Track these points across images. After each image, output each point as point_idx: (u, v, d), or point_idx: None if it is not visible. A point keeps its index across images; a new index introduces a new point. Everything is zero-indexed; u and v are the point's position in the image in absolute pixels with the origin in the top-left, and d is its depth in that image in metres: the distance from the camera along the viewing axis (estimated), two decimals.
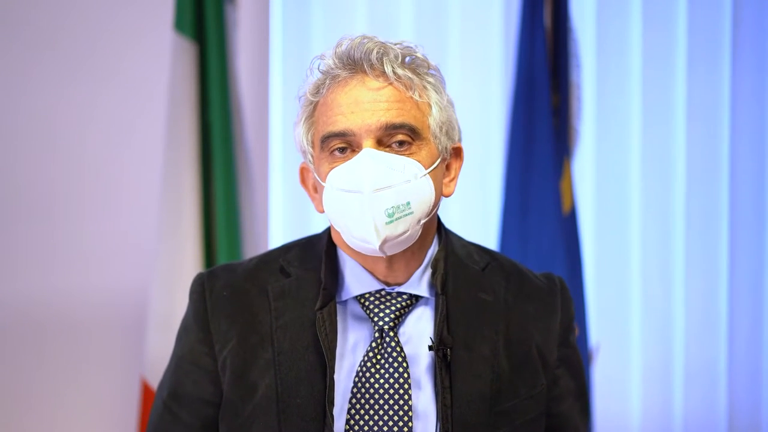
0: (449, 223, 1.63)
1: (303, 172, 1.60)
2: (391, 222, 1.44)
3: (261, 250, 2.75)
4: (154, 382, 2.59)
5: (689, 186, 3.27)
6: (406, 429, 1.47)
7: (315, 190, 1.58)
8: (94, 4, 2.81)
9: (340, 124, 1.48)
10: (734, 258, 3.33)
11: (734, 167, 3.32)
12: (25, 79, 2.76)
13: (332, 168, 1.48)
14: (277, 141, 2.92)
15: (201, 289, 1.59)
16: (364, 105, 1.48)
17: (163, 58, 2.68)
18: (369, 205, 1.43)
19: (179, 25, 2.65)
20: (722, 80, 3.28)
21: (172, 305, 2.58)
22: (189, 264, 2.63)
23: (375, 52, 1.49)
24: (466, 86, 3.01)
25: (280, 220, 2.94)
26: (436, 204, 1.52)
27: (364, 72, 1.49)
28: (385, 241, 1.44)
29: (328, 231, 1.61)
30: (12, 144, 2.77)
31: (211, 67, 2.66)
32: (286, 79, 2.92)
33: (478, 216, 3.04)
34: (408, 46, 1.53)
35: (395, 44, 1.52)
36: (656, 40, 3.22)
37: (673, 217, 3.26)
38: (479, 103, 3.04)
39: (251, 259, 1.64)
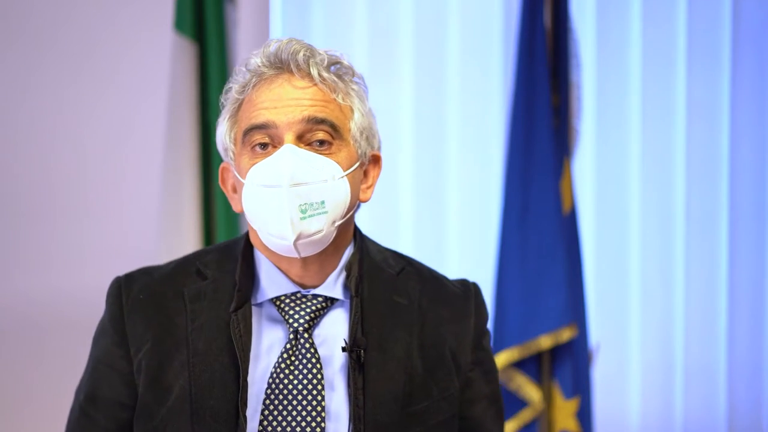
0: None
1: (223, 172, 1.61)
2: (305, 218, 1.45)
3: None
4: None
5: (689, 186, 3.27)
6: (318, 429, 1.48)
7: (234, 190, 1.58)
8: (94, 4, 2.81)
9: (263, 117, 1.49)
10: (734, 258, 3.33)
11: (734, 167, 3.31)
12: (26, 79, 2.76)
13: (253, 164, 1.49)
14: None
15: (118, 292, 1.59)
16: (288, 101, 1.49)
17: (163, 58, 2.69)
18: (287, 199, 1.44)
19: (179, 25, 2.65)
20: (722, 80, 3.28)
21: None
22: None
23: (302, 54, 1.51)
24: (466, 86, 3.01)
25: None
26: (352, 207, 1.54)
27: (291, 72, 1.51)
28: (299, 237, 1.45)
29: (246, 234, 1.61)
30: (12, 144, 2.77)
31: (211, 67, 2.66)
32: None
33: (478, 216, 3.04)
34: (334, 54, 1.55)
35: (323, 51, 1.55)
36: (656, 39, 3.22)
37: (673, 216, 3.26)
38: (479, 103, 3.04)
39: (170, 263, 1.64)
